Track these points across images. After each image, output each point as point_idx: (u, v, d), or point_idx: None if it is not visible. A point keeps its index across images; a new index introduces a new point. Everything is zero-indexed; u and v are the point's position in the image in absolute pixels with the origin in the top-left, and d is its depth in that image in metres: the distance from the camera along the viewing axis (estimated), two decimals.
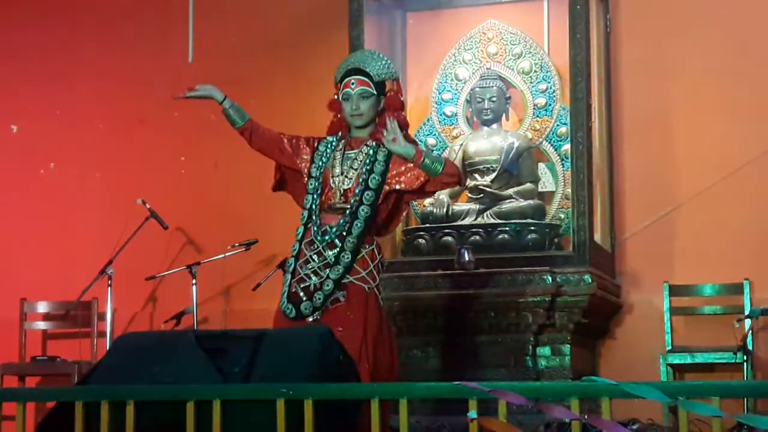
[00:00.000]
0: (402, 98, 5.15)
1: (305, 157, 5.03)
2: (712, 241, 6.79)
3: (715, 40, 6.93)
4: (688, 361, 6.37)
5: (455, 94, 7.16)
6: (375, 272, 4.91)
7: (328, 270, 4.85)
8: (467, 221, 6.71)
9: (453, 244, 6.55)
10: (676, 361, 6.38)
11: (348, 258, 4.84)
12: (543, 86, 7.02)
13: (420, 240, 6.66)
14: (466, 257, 6.31)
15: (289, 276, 4.95)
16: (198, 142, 7.77)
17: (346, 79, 4.98)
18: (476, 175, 6.89)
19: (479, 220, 6.70)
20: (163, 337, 4.83)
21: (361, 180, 4.89)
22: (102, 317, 7.05)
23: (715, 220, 6.80)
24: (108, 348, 6.43)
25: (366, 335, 4.79)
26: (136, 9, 7.98)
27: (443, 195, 6.86)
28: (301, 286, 4.89)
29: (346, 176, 4.93)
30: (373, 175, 4.90)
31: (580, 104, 6.43)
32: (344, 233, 4.86)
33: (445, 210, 6.75)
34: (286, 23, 7.64)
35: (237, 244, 6.82)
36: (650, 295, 6.76)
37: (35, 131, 8.08)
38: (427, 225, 6.77)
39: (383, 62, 5.03)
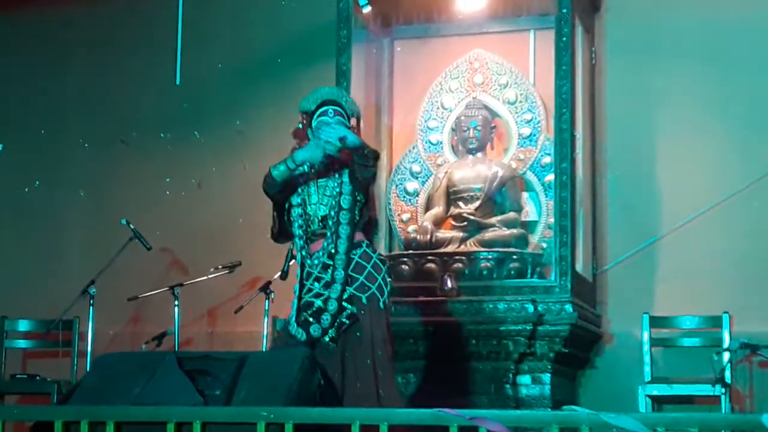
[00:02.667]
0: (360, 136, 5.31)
1: None
2: (692, 273, 6.84)
3: (699, 72, 7.00)
4: (667, 392, 6.39)
5: (441, 122, 7.21)
6: (374, 271, 5.06)
7: (328, 290, 5.00)
8: (450, 248, 6.74)
9: (436, 271, 6.58)
10: (655, 392, 6.40)
11: (341, 274, 5.01)
12: (528, 116, 7.08)
13: (403, 266, 6.69)
14: (449, 284, 6.34)
15: (296, 302, 5.10)
16: (182, 164, 7.79)
17: (324, 108, 5.18)
18: (460, 203, 6.93)
19: (462, 248, 6.73)
20: (144, 357, 4.83)
21: (333, 204, 5.10)
22: (83, 336, 7.04)
23: (696, 252, 6.85)
24: (89, 367, 6.42)
25: (374, 357, 4.96)
26: (124, 30, 8.01)
27: (427, 222, 6.90)
28: (309, 312, 5.03)
29: (321, 203, 5.14)
30: (343, 196, 5.10)
31: (564, 135, 6.48)
32: (331, 252, 5.03)
33: (428, 237, 6.78)
34: (274, 48, 7.68)
35: (220, 267, 6.82)
36: (630, 325, 6.79)
37: (21, 150, 8.08)
38: (410, 251, 6.80)
39: (351, 100, 5.32)
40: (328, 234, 5.05)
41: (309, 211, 5.13)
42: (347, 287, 4.99)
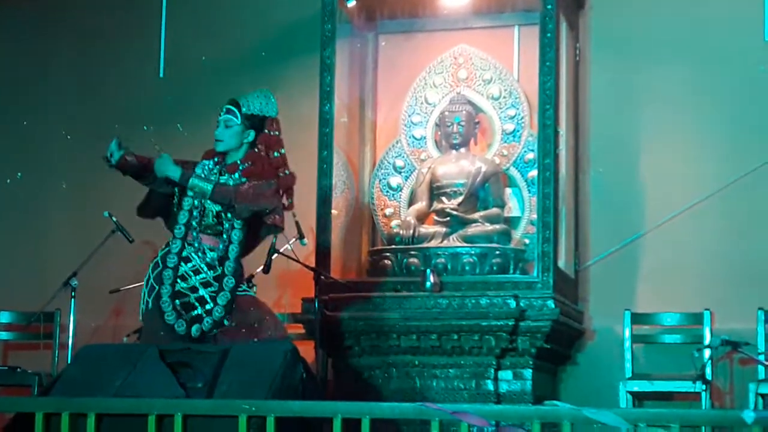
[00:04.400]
0: (279, 136, 5.37)
1: None
2: (674, 270, 6.86)
3: (683, 70, 7.02)
4: (648, 388, 6.41)
5: (425, 117, 7.21)
6: (242, 273, 5.23)
7: (211, 291, 5.07)
8: (433, 244, 6.74)
9: (418, 266, 6.58)
10: (636, 389, 6.41)
11: (232, 283, 5.12)
12: (512, 112, 7.08)
13: (386, 261, 6.69)
14: (431, 279, 6.34)
15: (169, 288, 5.12)
16: None
17: (223, 107, 5.34)
18: (443, 199, 6.93)
19: (445, 243, 6.73)
20: (126, 349, 4.83)
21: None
22: (64, 329, 7.01)
23: (678, 249, 6.87)
24: (70, 360, 6.40)
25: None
26: (107, 21, 7.98)
27: (410, 217, 6.90)
28: (179, 301, 5.08)
29: None
30: None
31: (548, 131, 6.48)
32: (223, 257, 5.15)
33: (411, 232, 6.78)
34: (259, 41, 7.66)
35: None
36: (612, 322, 6.81)
37: (2, 141, 8.04)
38: (393, 246, 6.80)
39: (263, 101, 5.36)
40: (224, 235, 5.14)
41: (206, 204, 5.19)
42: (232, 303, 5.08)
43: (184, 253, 5.15)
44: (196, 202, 5.19)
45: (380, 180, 7.20)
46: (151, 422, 3.80)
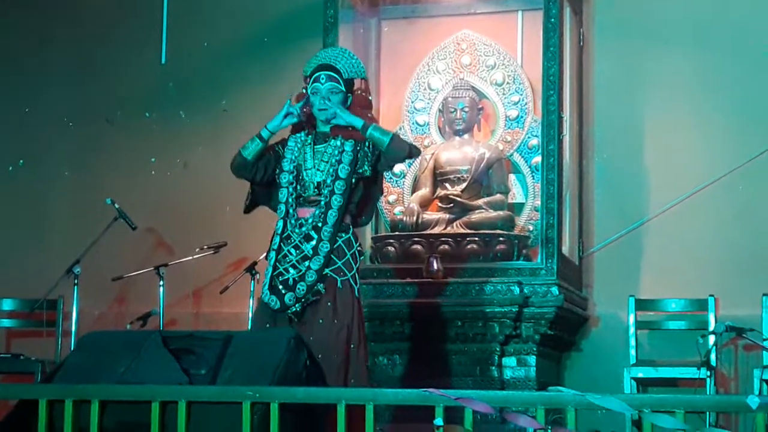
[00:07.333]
0: (370, 98, 5.30)
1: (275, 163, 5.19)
2: (678, 256, 6.84)
3: (688, 55, 7.00)
4: (652, 375, 6.40)
5: (428, 103, 7.18)
6: (352, 261, 5.04)
7: (307, 262, 4.96)
8: (437, 230, 6.73)
9: (422, 252, 6.56)
10: (640, 375, 6.40)
11: (327, 247, 4.97)
12: (515, 98, 7.06)
13: (389, 248, 6.67)
14: (435, 266, 6.33)
15: (270, 269, 5.04)
16: (168, 143, 7.75)
17: (317, 74, 5.12)
18: (447, 185, 6.91)
19: (449, 230, 6.72)
20: (129, 336, 4.82)
21: (331, 171, 5.04)
22: (67, 316, 7.00)
23: (682, 235, 6.86)
24: (73, 346, 6.39)
25: (340, 331, 4.93)
26: (109, 7, 7.96)
27: (413, 204, 6.88)
28: (280, 279, 4.98)
29: (317, 169, 5.08)
30: (342, 165, 5.05)
31: (551, 117, 6.47)
32: (319, 224, 4.99)
33: (414, 218, 6.77)
34: (261, 27, 7.64)
35: (206, 247, 6.79)
36: (616, 308, 6.80)
37: (4, 128, 8.02)
38: (397, 233, 6.78)
39: (353, 61, 5.20)
40: (322, 202, 5.00)
41: (305, 177, 5.06)
42: (326, 268, 4.97)
43: (286, 233, 5.03)
44: (291, 178, 5.07)
45: None
46: (155, 409, 3.79)
